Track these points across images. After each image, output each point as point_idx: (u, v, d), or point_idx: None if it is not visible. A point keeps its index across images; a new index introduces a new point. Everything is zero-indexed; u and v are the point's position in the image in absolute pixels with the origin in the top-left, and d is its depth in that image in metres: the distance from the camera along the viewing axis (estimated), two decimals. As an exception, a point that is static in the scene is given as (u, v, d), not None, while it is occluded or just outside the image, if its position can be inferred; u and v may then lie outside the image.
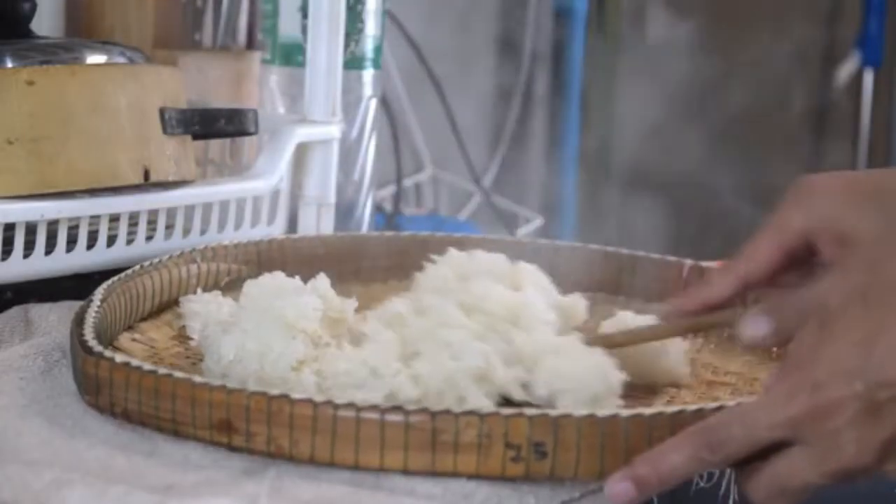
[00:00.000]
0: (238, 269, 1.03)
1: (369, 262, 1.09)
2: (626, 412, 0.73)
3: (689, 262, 1.06)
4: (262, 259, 1.05)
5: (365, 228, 1.31)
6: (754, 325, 0.75)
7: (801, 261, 0.77)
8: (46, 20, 1.29)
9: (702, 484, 0.80)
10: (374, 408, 0.72)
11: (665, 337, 0.87)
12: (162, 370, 0.76)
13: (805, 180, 0.77)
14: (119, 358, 0.78)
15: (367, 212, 1.32)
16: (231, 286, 1.02)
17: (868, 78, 2.55)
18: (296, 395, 0.73)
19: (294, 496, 0.70)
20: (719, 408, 0.73)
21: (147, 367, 0.77)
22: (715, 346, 0.97)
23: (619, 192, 2.20)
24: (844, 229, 0.74)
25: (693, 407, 0.74)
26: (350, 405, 0.72)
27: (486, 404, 0.79)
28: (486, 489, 0.72)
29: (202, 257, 1.01)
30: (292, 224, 1.19)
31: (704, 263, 1.05)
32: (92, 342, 0.80)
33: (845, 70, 2.57)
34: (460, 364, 0.80)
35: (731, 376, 0.91)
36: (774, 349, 0.97)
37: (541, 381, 0.80)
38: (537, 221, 1.90)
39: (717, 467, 0.71)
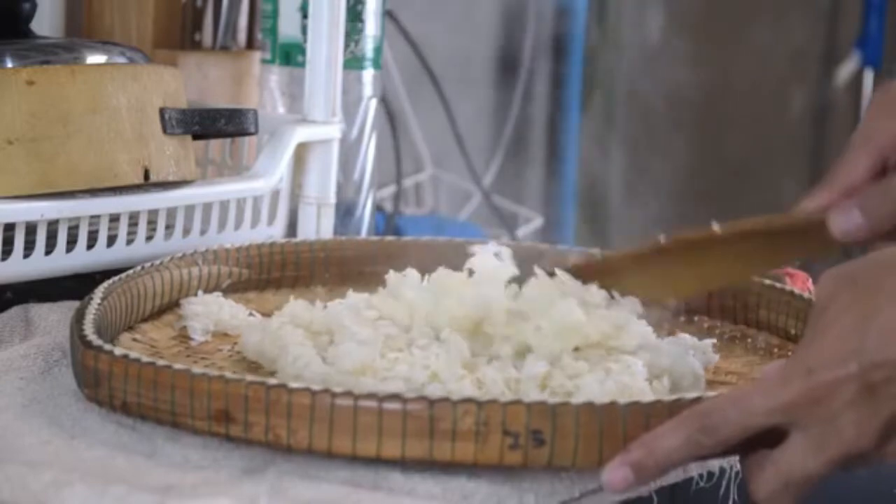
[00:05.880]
0: (239, 272, 1.04)
1: (370, 266, 1.09)
2: (623, 400, 0.73)
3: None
4: (263, 262, 1.06)
5: (365, 229, 1.31)
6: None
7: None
8: (46, 20, 1.29)
9: (702, 484, 0.80)
10: (371, 396, 0.72)
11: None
12: (160, 362, 0.77)
13: (888, 89, 0.77)
14: (118, 350, 0.78)
15: (367, 212, 1.32)
16: (232, 289, 1.03)
17: (868, 78, 2.55)
18: (293, 385, 0.73)
19: (294, 496, 0.70)
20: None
21: (145, 358, 0.77)
22: (716, 346, 0.97)
23: (619, 192, 2.20)
24: None
25: (691, 395, 0.74)
26: (348, 393, 0.72)
27: None
28: (486, 488, 0.72)
29: (203, 260, 1.01)
30: (292, 224, 1.19)
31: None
32: (91, 336, 0.80)
33: (845, 70, 2.56)
34: (524, 371, 0.80)
35: (732, 376, 0.91)
36: (776, 349, 0.97)
37: None
38: (537, 221, 1.90)
39: (712, 451, 0.70)
